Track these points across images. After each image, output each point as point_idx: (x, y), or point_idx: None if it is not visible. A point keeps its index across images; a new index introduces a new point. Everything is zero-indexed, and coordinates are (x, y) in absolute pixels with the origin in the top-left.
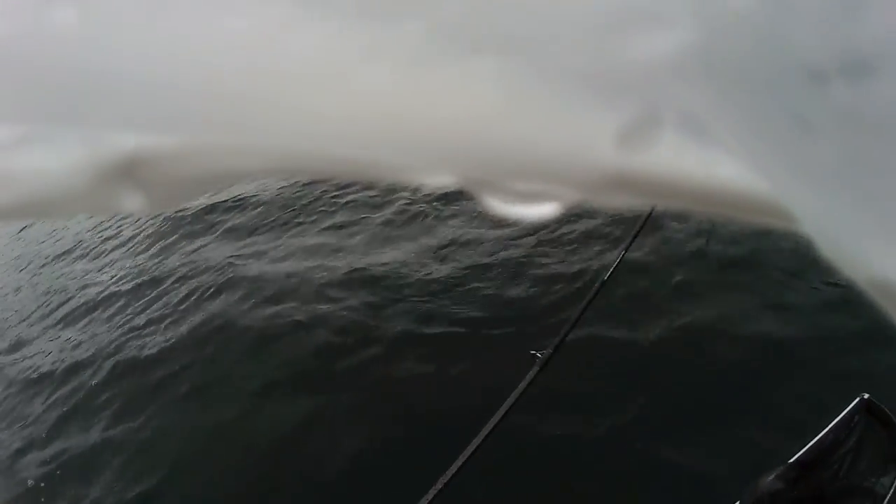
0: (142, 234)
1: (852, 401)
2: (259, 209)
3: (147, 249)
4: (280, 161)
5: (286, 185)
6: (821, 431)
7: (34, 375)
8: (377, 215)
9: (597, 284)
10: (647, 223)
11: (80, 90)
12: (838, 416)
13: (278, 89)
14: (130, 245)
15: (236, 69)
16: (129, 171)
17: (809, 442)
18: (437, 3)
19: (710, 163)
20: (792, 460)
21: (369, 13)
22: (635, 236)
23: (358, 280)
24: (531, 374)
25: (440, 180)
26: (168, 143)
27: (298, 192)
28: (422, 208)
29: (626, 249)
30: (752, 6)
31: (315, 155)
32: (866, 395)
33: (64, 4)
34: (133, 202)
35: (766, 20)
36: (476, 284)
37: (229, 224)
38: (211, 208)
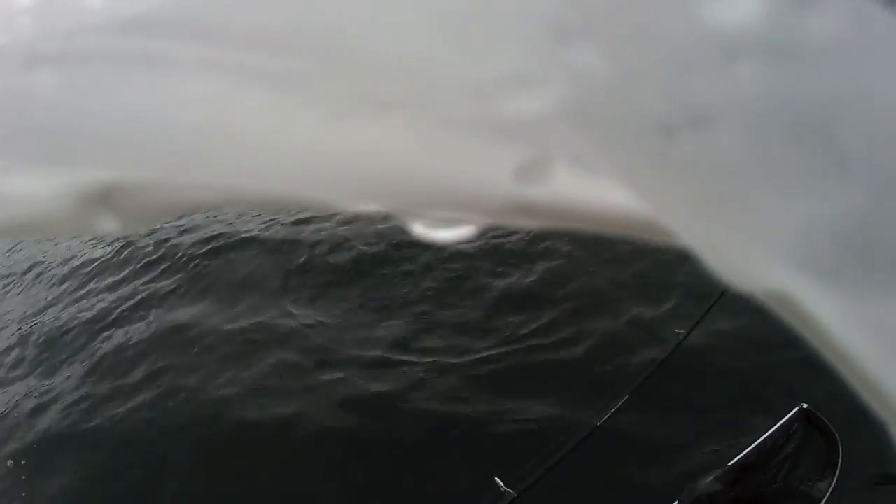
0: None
1: (785, 407)
2: (212, 240)
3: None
4: (233, 195)
5: (241, 213)
6: (759, 437)
7: None
8: (308, 234)
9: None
10: (715, 304)
11: (62, 135)
12: (777, 423)
13: (231, 138)
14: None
15: (194, 126)
16: (105, 198)
17: (748, 446)
18: (354, 73)
19: (595, 190)
20: (731, 463)
21: (300, 81)
22: (703, 316)
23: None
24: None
25: (370, 207)
26: (139, 177)
27: (249, 217)
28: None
29: (694, 327)
30: (609, 70)
31: (260, 191)
32: (805, 405)
33: (49, 69)
34: (108, 225)
35: (622, 80)
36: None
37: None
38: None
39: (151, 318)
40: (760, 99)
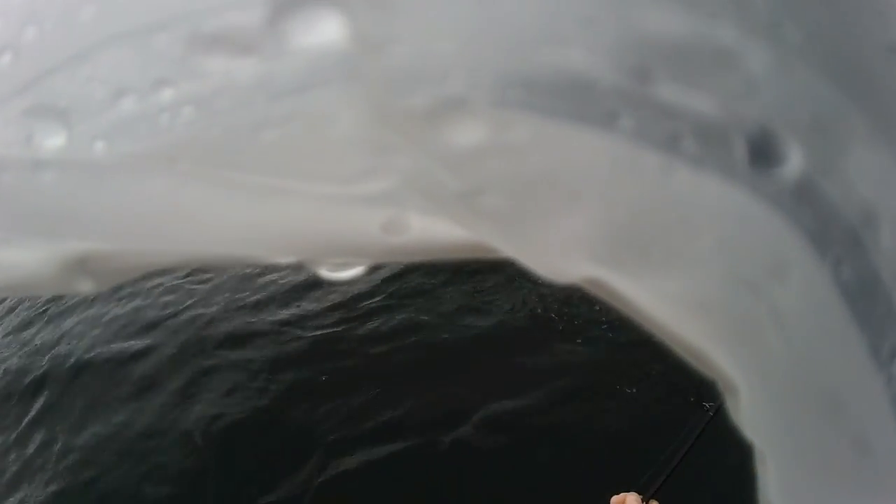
0: None
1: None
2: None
3: None
4: (181, 260)
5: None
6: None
7: None
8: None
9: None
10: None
11: (53, 218)
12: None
13: (177, 219)
14: None
15: (151, 211)
16: (82, 264)
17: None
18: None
19: (437, 229)
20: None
21: (220, 179)
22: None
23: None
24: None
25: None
26: (110, 248)
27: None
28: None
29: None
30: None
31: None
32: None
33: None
34: (85, 286)
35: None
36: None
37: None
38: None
39: None
40: None
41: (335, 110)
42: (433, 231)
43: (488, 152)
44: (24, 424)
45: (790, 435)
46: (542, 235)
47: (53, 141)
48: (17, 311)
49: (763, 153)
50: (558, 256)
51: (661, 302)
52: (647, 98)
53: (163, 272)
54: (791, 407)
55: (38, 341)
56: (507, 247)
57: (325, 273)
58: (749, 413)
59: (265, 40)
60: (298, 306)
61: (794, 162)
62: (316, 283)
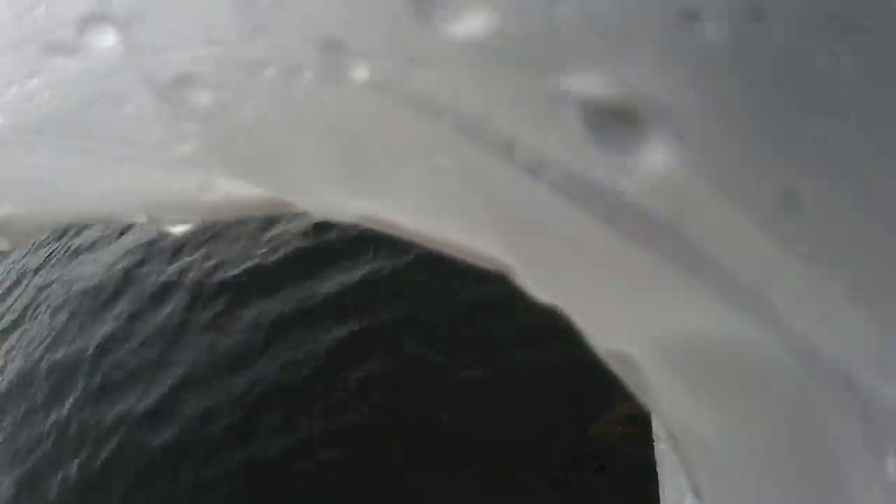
0: None
1: None
2: None
3: None
4: (80, 217)
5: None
6: None
7: None
8: None
9: None
10: None
11: None
12: None
13: (75, 185)
14: None
15: (57, 179)
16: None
17: None
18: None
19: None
20: None
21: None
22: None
23: None
24: None
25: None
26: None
27: None
28: None
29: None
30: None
31: (97, 213)
32: None
33: None
34: (3, 245)
35: None
36: None
37: None
38: None
39: None
40: None
41: (129, 90)
42: (236, 191)
43: (221, 107)
44: None
45: None
46: (294, 172)
47: None
48: None
49: None
50: (318, 189)
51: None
52: None
53: None
54: None
55: None
56: (285, 193)
57: (169, 228)
58: None
59: (77, 45)
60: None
61: None
62: None
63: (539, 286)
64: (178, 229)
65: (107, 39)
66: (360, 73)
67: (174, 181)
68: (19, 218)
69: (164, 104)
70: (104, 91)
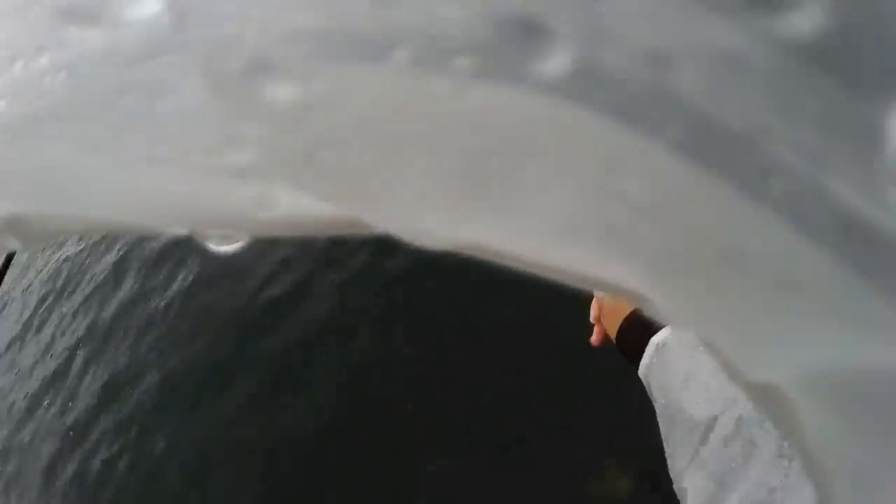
0: None
1: None
2: None
3: None
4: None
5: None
6: None
7: None
8: None
9: None
10: None
11: None
12: None
13: (88, 187)
14: None
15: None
16: (11, 225)
17: None
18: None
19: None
20: None
21: (116, 150)
22: None
23: None
24: None
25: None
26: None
27: None
28: None
29: None
30: None
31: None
32: None
33: None
34: (13, 244)
35: None
36: None
37: None
38: None
39: None
40: None
41: (173, 79)
42: (302, 207)
43: (306, 107)
44: None
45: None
46: (388, 191)
47: None
48: None
49: None
50: (415, 212)
51: (531, 238)
52: None
53: None
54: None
55: None
56: (366, 212)
57: (212, 246)
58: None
59: (101, 12)
60: None
61: None
62: None
63: (679, 316)
64: (225, 248)
65: (147, 4)
66: (551, 64)
67: (223, 191)
68: (32, 218)
69: (222, 100)
70: (139, 78)
